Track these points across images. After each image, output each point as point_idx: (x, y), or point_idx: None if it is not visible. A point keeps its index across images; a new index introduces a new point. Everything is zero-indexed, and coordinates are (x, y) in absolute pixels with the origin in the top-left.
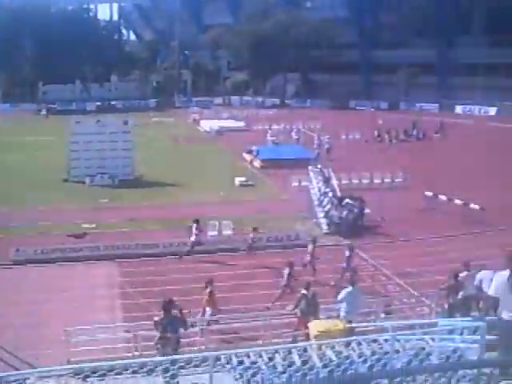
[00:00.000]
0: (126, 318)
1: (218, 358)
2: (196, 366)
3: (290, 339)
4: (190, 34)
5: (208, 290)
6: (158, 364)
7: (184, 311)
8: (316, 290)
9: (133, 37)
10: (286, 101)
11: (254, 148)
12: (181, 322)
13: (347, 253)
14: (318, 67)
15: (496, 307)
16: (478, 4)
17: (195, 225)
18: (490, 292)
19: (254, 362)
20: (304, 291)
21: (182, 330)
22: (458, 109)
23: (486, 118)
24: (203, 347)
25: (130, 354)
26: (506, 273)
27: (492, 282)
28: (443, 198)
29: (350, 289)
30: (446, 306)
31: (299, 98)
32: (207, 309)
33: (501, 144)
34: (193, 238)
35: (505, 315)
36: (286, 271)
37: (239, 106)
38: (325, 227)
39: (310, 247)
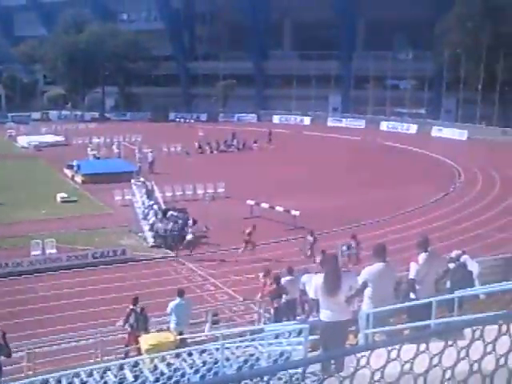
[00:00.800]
0: None
1: (45, 382)
2: None
3: (122, 355)
4: (2, 46)
5: (270, 282)
6: None
7: (7, 335)
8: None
9: None
10: (106, 114)
11: (74, 163)
12: (1, 349)
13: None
14: (136, 80)
15: (317, 309)
16: (287, 20)
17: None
18: (310, 295)
19: (85, 382)
20: (132, 306)
21: (2, 357)
22: (276, 119)
23: (302, 127)
24: (31, 372)
25: None
26: (321, 275)
27: (311, 284)
28: (265, 205)
29: (177, 300)
30: (272, 311)
31: (119, 111)
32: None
33: (316, 151)
34: (189, 237)
35: (322, 316)
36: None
37: (58, 121)
38: (151, 240)
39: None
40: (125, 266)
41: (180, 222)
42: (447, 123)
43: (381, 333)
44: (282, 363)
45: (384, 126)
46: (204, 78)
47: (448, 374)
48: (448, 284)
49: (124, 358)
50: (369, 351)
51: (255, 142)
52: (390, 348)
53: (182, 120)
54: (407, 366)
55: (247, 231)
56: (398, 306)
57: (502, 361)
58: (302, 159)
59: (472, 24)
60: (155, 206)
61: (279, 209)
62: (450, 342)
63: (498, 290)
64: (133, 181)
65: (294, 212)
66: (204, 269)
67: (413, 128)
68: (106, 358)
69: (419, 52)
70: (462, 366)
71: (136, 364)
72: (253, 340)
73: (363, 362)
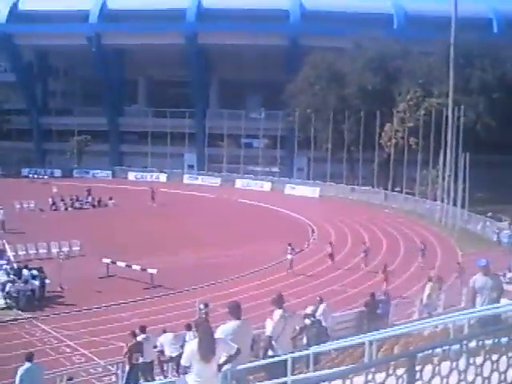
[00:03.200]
0: None
1: None
2: None
3: None
4: None
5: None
6: None
7: None
8: None
9: None
10: None
11: None
12: None
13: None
14: None
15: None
16: (142, 77)
17: (289, 247)
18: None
19: None
20: None
21: None
22: (131, 175)
23: (158, 184)
24: None
25: None
26: (195, 341)
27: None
28: (122, 264)
29: (27, 365)
30: (127, 368)
31: None
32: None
33: (173, 209)
34: (289, 257)
35: (189, 380)
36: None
37: None
38: (2, 302)
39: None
40: None
41: (34, 282)
42: (299, 181)
43: None
44: None
45: (239, 183)
46: (58, 133)
47: None
48: (305, 340)
49: None
50: None
51: (111, 199)
52: None
53: (36, 176)
54: None
55: (330, 247)
56: (255, 363)
57: None
58: (158, 217)
59: (319, 86)
60: (6, 266)
61: (136, 267)
62: None
63: (349, 344)
64: None
65: (150, 270)
66: (59, 330)
67: (267, 186)
68: None
69: (271, 112)
70: None
71: None
72: None
73: None
